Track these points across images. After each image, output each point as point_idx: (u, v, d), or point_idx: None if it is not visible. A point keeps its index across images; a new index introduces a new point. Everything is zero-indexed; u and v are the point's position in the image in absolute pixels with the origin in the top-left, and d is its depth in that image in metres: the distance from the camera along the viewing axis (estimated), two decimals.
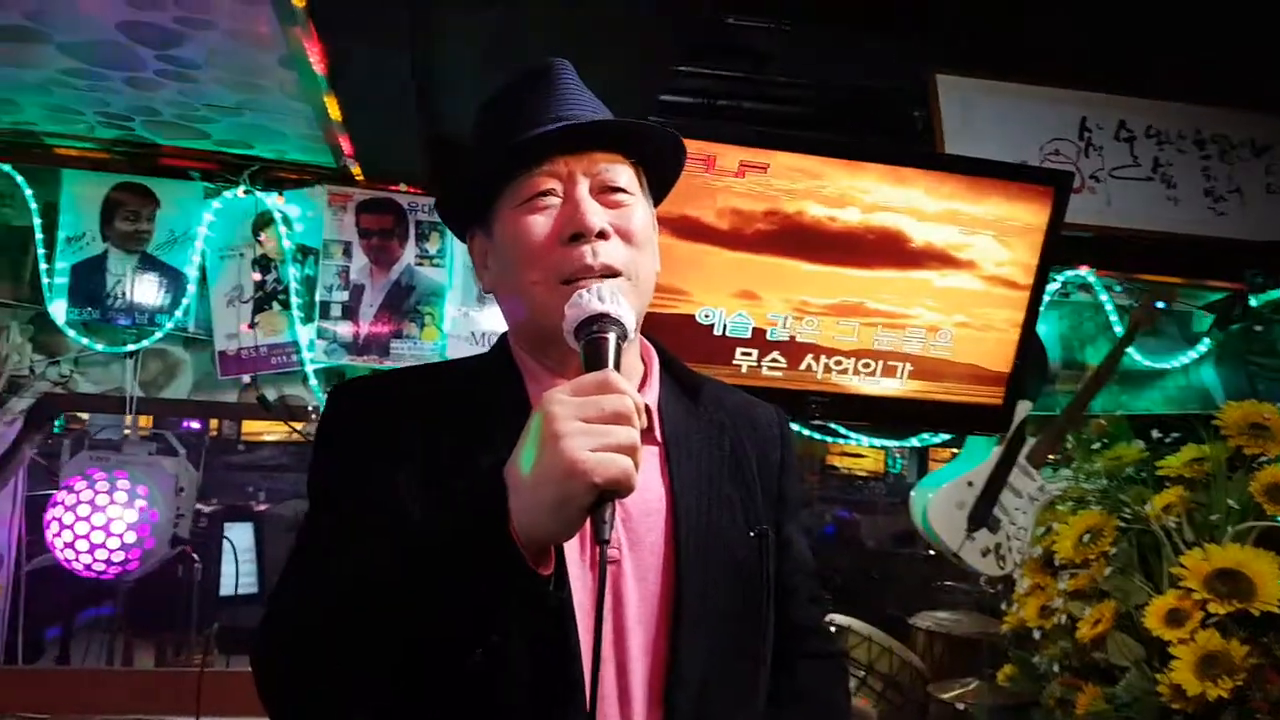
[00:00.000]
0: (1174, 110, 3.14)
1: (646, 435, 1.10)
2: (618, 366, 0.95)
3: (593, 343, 0.96)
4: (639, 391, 1.11)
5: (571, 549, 1.05)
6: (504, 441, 0.94)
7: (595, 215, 1.07)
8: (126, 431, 2.93)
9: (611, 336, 0.96)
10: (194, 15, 1.86)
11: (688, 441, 1.18)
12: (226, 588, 4.41)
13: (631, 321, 1.00)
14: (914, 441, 3.46)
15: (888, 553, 6.31)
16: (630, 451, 0.87)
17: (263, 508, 5.62)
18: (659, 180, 1.23)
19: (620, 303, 0.99)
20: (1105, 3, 2.49)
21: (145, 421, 3.57)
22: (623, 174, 1.13)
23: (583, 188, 1.09)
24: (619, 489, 0.86)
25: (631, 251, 1.10)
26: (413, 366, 1.27)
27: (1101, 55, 2.92)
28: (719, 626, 1.10)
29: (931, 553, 5.35)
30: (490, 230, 1.15)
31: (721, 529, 1.14)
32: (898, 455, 8.05)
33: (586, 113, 1.13)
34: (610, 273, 1.07)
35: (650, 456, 1.14)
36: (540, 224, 1.08)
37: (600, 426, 0.87)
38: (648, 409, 1.15)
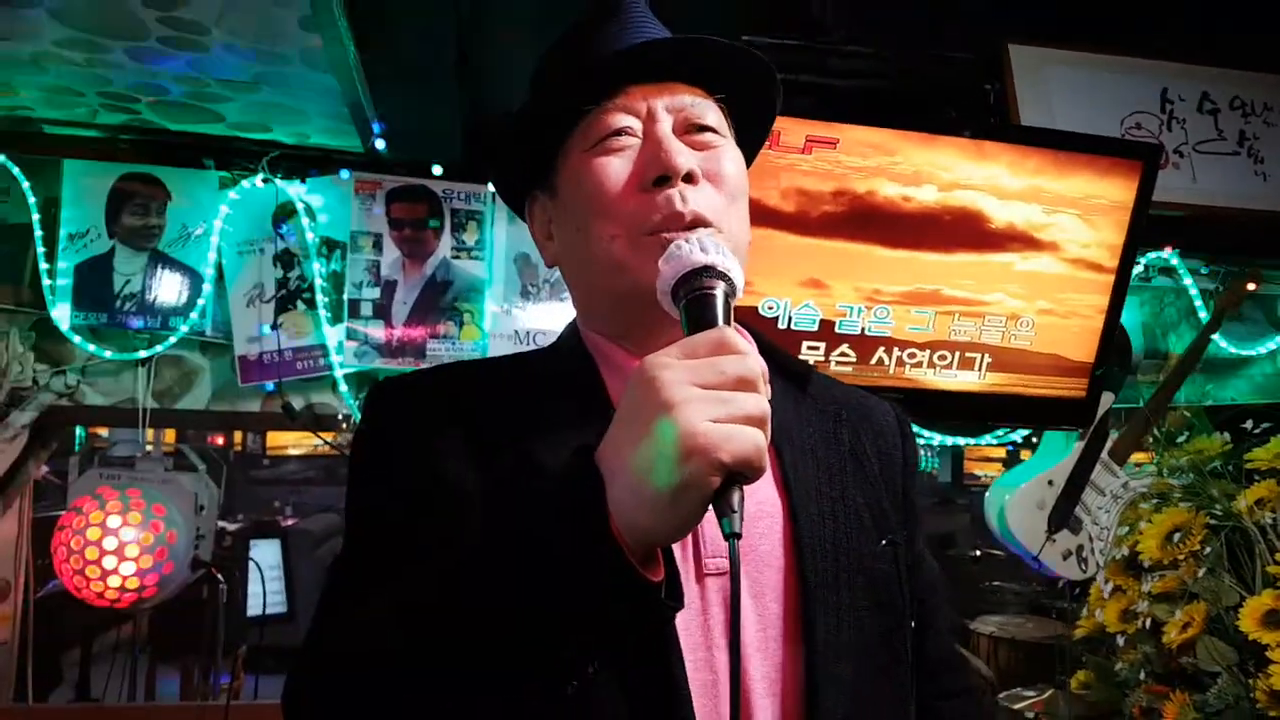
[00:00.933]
0: (1260, 80, 3.01)
1: None
2: (729, 318, 0.80)
3: (699, 299, 0.80)
4: None
5: None
6: (576, 439, 0.78)
7: (682, 154, 0.92)
8: (149, 448, 2.69)
9: (719, 290, 0.81)
10: None
11: (801, 435, 1.01)
12: (253, 608, 4.22)
13: (739, 276, 0.84)
14: (988, 438, 3.23)
15: (930, 553, 6.08)
16: (761, 423, 0.71)
17: (290, 522, 5.45)
18: (748, 132, 1.06)
19: (726, 254, 0.83)
20: None
21: (170, 435, 3.36)
22: (711, 110, 0.98)
23: (665, 124, 0.94)
24: (750, 470, 0.70)
25: (724, 201, 0.95)
26: (465, 361, 1.08)
27: (1180, 22, 2.78)
28: (860, 656, 0.93)
29: (978, 554, 5.20)
30: (554, 187, 1.00)
31: (850, 537, 0.97)
32: (931, 455, 7.86)
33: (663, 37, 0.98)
34: (701, 223, 0.91)
35: None
36: (616, 167, 0.94)
37: (723, 393, 0.71)
38: None
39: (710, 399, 0.69)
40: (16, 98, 2.38)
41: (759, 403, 0.71)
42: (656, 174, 0.91)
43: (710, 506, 0.70)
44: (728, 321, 0.79)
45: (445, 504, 0.86)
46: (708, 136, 0.96)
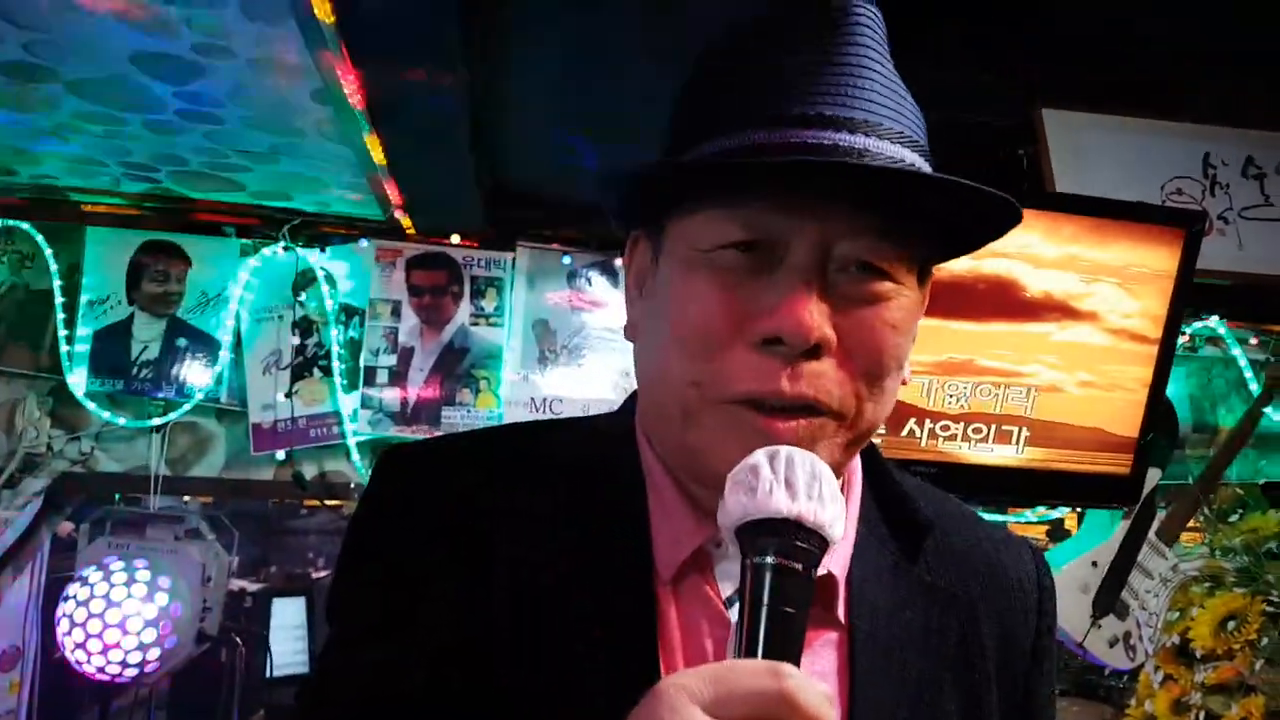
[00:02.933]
0: None
1: (823, 616, 0.74)
2: (803, 630, 0.58)
3: (763, 576, 0.58)
4: None
5: None
6: (596, 618, 0.67)
7: (813, 316, 0.65)
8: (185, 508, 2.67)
9: (797, 570, 0.58)
10: (212, 41, 1.64)
11: (890, 629, 0.76)
12: (277, 669, 4.14)
13: (839, 527, 0.61)
14: (1029, 515, 3.10)
15: None
16: None
17: (321, 574, 5.40)
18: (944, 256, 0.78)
19: (824, 491, 0.61)
20: (1220, 28, 2.25)
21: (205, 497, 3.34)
22: (893, 251, 0.68)
23: (810, 259, 0.66)
24: None
25: (859, 383, 0.69)
26: (493, 430, 0.88)
27: (1221, 84, 2.69)
28: None
29: None
30: (659, 248, 0.74)
31: None
32: None
33: (883, 117, 0.68)
34: (808, 408, 0.67)
35: (826, 651, 0.75)
36: (719, 299, 0.68)
37: None
38: (831, 579, 0.75)
39: None
40: (40, 166, 2.41)
41: None
42: (769, 334, 0.66)
43: None
44: (802, 625, 0.57)
45: (425, 658, 0.70)
46: (873, 285, 0.68)
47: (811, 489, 0.60)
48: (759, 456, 0.62)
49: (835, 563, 0.75)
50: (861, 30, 0.69)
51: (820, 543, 0.60)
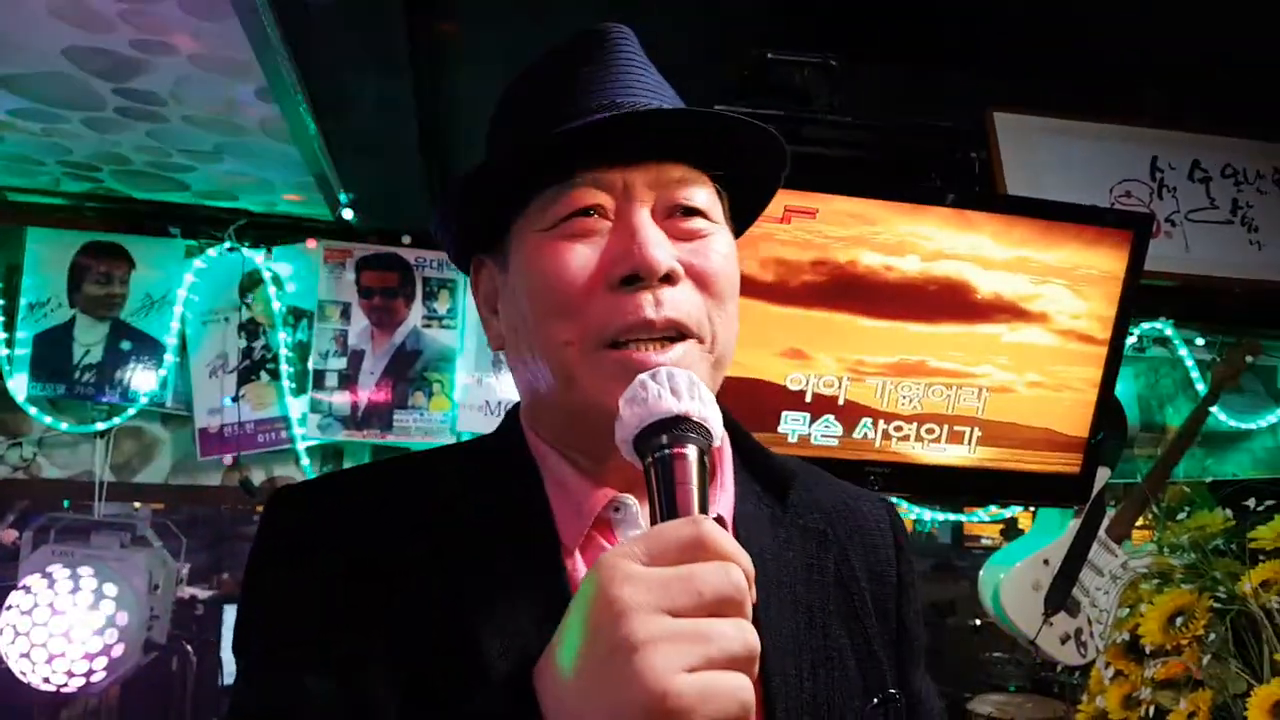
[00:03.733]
0: (1251, 148, 2.94)
1: None
2: (705, 497, 0.64)
3: (664, 465, 0.65)
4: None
5: None
6: (523, 607, 0.70)
7: (661, 248, 0.75)
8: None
9: (692, 453, 0.65)
10: (150, 37, 1.61)
11: (777, 568, 0.83)
12: (230, 676, 4.08)
13: (719, 423, 0.69)
14: (981, 515, 3.13)
15: (928, 623, 5.90)
16: (747, 663, 0.57)
17: None
18: (740, 208, 0.88)
19: (702, 394, 0.68)
20: (1168, 34, 2.29)
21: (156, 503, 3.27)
22: (703, 189, 0.80)
23: (645, 208, 0.77)
24: None
25: (708, 304, 0.78)
26: (385, 462, 0.90)
27: (1169, 90, 2.73)
28: None
29: (978, 623, 5.06)
30: (504, 258, 0.82)
31: (832, 698, 0.81)
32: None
33: (654, 98, 0.80)
34: (677, 332, 0.75)
35: None
36: (578, 257, 0.76)
37: (699, 625, 0.57)
38: (721, 522, 0.79)
39: (684, 635, 0.56)
40: None
41: (744, 635, 0.57)
42: (626, 272, 0.74)
43: None
44: (704, 493, 0.64)
45: (336, 691, 0.71)
46: (696, 223, 0.79)
47: (692, 392, 0.68)
48: (644, 376, 0.69)
49: (724, 507, 0.85)
50: (620, 45, 0.83)
51: (707, 434, 0.67)
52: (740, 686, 0.56)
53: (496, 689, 0.63)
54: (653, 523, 0.63)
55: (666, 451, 0.65)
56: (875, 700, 0.83)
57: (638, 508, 0.80)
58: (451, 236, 0.87)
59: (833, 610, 0.85)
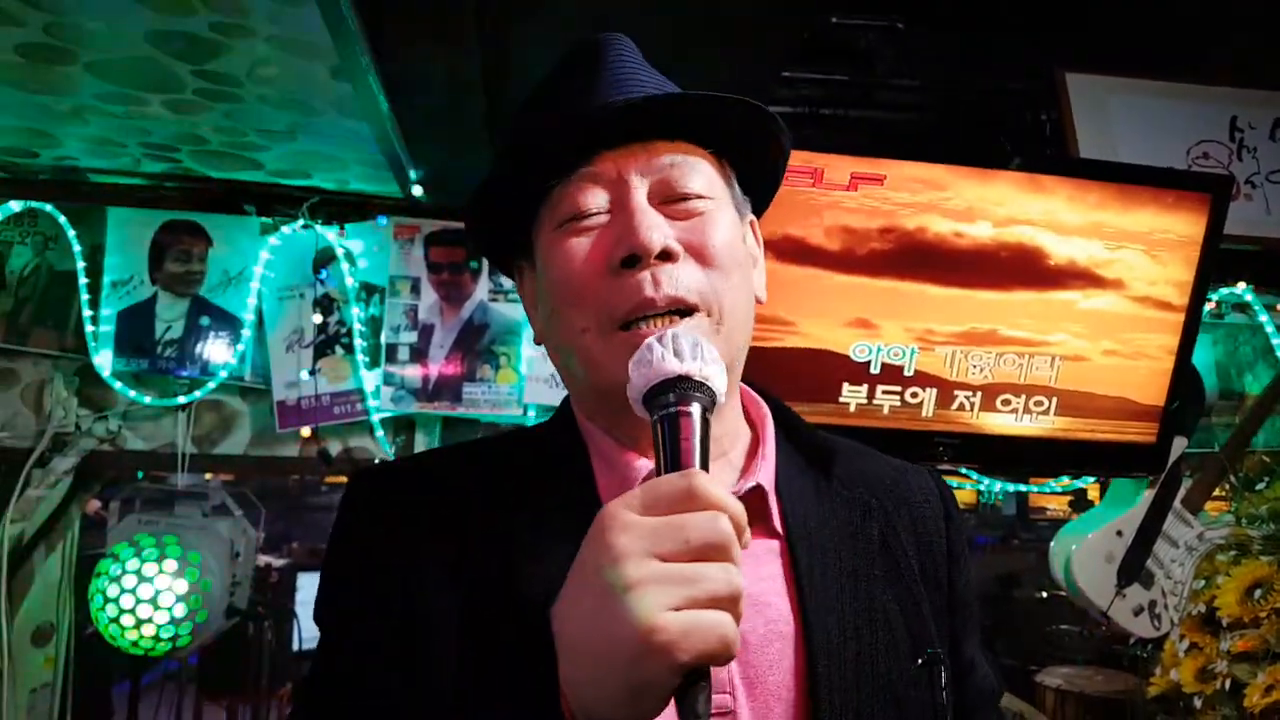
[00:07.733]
0: None
1: (761, 526, 0.87)
2: (705, 452, 0.69)
3: (668, 422, 0.70)
4: (747, 466, 0.90)
5: None
6: (562, 556, 0.71)
7: (654, 229, 0.81)
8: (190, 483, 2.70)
9: (695, 410, 0.70)
10: (229, 20, 1.63)
11: (821, 534, 0.88)
12: (305, 642, 4.20)
13: (722, 381, 0.73)
14: (1052, 485, 3.09)
15: (994, 595, 5.84)
16: (730, 603, 0.62)
17: None
18: (760, 177, 0.94)
19: (705, 355, 0.73)
20: None
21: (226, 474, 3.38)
22: (697, 171, 0.86)
23: (639, 194, 0.83)
24: (715, 663, 0.62)
25: (711, 277, 0.83)
26: (453, 446, 1.00)
27: (1248, 46, 2.62)
28: None
29: (1044, 595, 5.00)
30: (534, 262, 0.91)
31: (876, 658, 0.84)
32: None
33: (640, 90, 0.85)
34: (680, 307, 0.81)
35: (770, 558, 0.87)
36: (585, 248, 0.83)
37: (685, 568, 0.62)
38: (761, 491, 0.88)
39: (671, 578, 0.61)
40: (61, 148, 2.42)
41: (728, 578, 0.62)
42: (624, 254, 0.80)
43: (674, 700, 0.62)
44: (704, 448, 0.69)
45: (411, 639, 0.79)
46: (692, 203, 0.84)
47: (695, 353, 0.72)
48: (650, 340, 0.74)
49: (764, 477, 0.89)
50: (614, 50, 0.89)
51: (710, 393, 0.72)
52: (721, 623, 0.61)
53: (524, 626, 0.68)
54: (657, 474, 0.68)
55: (672, 410, 0.70)
56: (920, 660, 0.86)
57: None
58: (482, 249, 0.98)
59: (878, 575, 0.89)
